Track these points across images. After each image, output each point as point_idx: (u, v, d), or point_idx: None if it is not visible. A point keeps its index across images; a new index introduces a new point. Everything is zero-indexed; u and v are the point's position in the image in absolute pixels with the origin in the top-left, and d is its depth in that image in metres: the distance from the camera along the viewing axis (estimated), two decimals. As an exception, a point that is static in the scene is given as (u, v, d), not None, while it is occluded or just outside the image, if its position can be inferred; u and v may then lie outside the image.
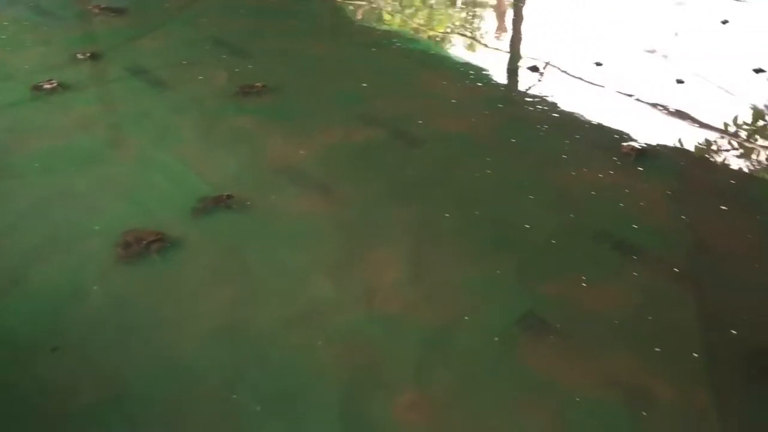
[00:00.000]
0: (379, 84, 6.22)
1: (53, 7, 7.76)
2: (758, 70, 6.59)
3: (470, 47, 7.46)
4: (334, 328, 3.65)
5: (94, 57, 6.52)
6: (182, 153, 5.09)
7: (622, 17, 7.97)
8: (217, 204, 4.47)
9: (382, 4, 8.33)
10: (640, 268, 4.06)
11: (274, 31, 7.29)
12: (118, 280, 3.92)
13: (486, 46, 7.43)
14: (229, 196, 4.51)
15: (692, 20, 7.85)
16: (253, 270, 4.04)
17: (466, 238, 4.32)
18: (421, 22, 7.97)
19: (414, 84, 6.34)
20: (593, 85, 6.31)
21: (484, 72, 6.63)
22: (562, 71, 6.58)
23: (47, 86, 5.89)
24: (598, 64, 6.67)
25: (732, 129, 5.68)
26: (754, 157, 5.39)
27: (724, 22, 7.72)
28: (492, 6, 8.64)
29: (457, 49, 7.40)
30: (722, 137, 5.55)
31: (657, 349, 3.53)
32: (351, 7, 8.20)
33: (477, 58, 7.18)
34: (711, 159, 5.33)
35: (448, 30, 7.80)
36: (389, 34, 7.45)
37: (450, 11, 8.34)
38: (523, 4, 8.52)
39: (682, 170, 5.07)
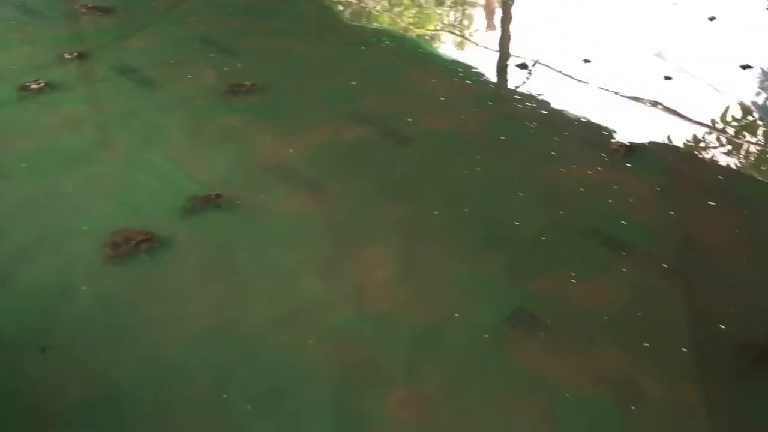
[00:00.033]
0: (368, 82, 6.22)
1: (40, 6, 7.70)
2: (745, 66, 6.62)
3: (459, 45, 7.46)
4: (324, 327, 3.64)
5: (81, 56, 6.47)
6: (171, 152, 5.07)
7: (610, 14, 7.99)
8: (206, 203, 4.46)
9: (370, 2, 8.32)
10: (629, 264, 4.08)
11: (263, 30, 7.26)
12: (107, 280, 3.90)
13: (475, 43, 7.43)
14: (218, 195, 4.49)
15: (680, 17, 7.87)
16: (243, 269, 4.03)
17: (456, 235, 4.32)
18: (410, 20, 7.96)
19: (403, 82, 6.34)
20: (582, 82, 6.32)
21: (473, 70, 6.63)
22: (551, 68, 6.59)
23: (34, 86, 5.85)
24: (587, 61, 6.68)
25: (720, 125, 5.70)
26: (741, 153, 5.42)
27: (712, 18, 7.75)
28: (481, 4, 8.65)
29: (446, 47, 7.39)
30: (710, 133, 5.57)
31: (646, 345, 3.54)
32: (339, 6, 8.19)
33: (466, 55, 7.19)
34: (699, 155, 5.35)
35: (437, 28, 7.80)
36: (378, 33, 7.44)
37: (439, 9, 8.34)
38: (512, 2, 8.53)
39: (671, 166, 5.09)
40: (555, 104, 5.92)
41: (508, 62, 6.89)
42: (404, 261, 4.08)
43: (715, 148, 5.41)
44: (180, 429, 3.14)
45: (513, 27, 7.91)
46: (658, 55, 6.85)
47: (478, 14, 8.43)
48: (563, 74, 6.47)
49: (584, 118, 5.70)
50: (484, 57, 7.06)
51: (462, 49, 7.39)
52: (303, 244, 4.22)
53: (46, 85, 5.89)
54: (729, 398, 3.32)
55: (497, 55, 7.12)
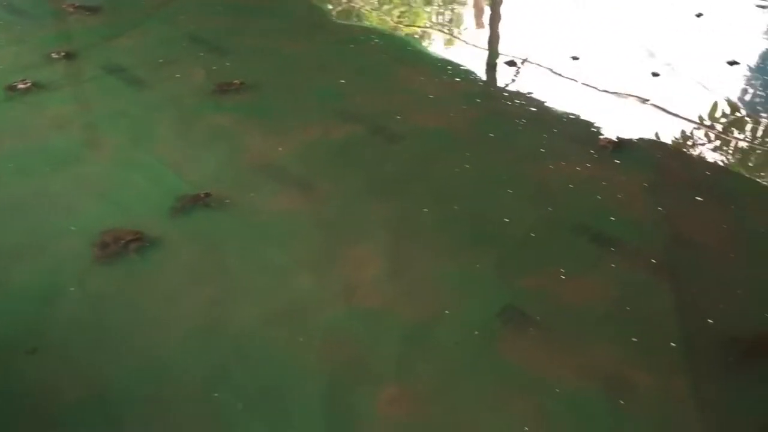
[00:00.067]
0: (357, 80, 6.21)
1: (26, 5, 7.65)
2: (732, 63, 6.66)
3: (448, 43, 7.47)
4: (315, 325, 3.65)
5: (69, 56, 6.44)
6: (160, 152, 5.05)
7: (597, 12, 8.01)
8: (195, 202, 4.45)
9: (359, 1, 8.31)
10: (618, 259, 4.10)
11: (252, 29, 7.24)
12: (96, 281, 3.90)
13: (463, 41, 7.44)
14: (207, 194, 4.49)
15: (667, 13, 7.91)
16: (233, 268, 4.03)
17: (446, 232, 4.33)
18: (399, 18, 7.96)
19: (392, 80, 6.34)
20: (570, 80, 6.34)
21: (461, 67, 6.64)
22: (540, 66, 6.60)
23: (21, 86, 5.82)
24: (575, 58, 6.70)
25: (707, 121, 5.74)
26: (729, 149, 5.45)
27: (699, 15, 7.79)
28: (469, 2, 8.65)
29: (435, 45, 7.40)
30: (698, 129, 5.60)
31: (635, 340, 3.57)
32: (328, 5, 8.18)
33: (455, 53, 7.19)
34: (687, 151, 5.38)
35: (426, 26, 7.80)
36: (367, 31, 7.44)
37: (427, 7, 8.34)
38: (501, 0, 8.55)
39: (659, 163, 5.11)
40: (544, 101, 5.93)
41: (497, 60, 6.90)
42: (394, 259, 4.09)
43: (703, 144, 5.44)
44: (172, 428, 3.14)
45: (501, 25, 7.91)
46: (644, 51, 6.87)
47: (467, 12, 8.44)
48: (552, 71, 6.49)
49: (573, 114, 5.72)
50: (472, 55, 7.07)
51: (451, 47, 7.39)
52: (293, 242, 4.23)
53: (34, 85, 5.86)
54: (717, 392, 3.34)
55: (486, 52, 7.13)
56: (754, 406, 3.28)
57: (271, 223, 4.38)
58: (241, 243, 4.21)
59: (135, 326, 3.62)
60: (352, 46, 7.01)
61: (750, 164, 5.36)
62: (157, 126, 5.41)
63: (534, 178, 4.85)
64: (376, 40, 7.23)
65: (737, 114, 5.90)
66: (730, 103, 6.02)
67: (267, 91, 5.97)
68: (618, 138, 5.28)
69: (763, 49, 7.23)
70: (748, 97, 6.20)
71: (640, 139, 5.37)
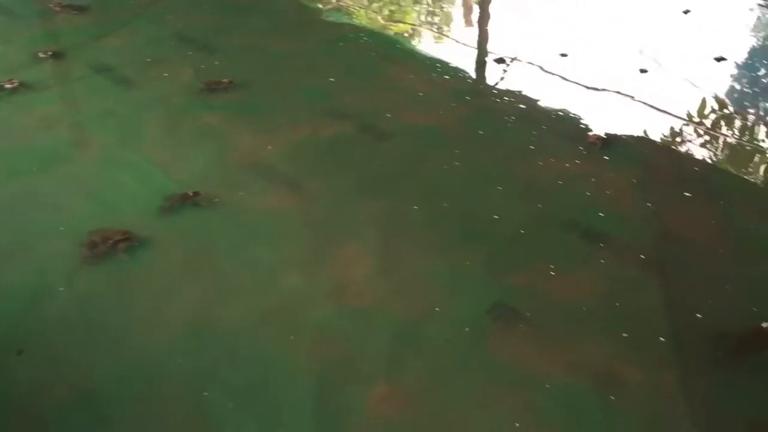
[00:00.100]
0: (347, 79, 6.20)
1: (12, 5, 7.59)
2: (719, 59, 6.69)
3: (437, 41, 7.47)
4: (305, 323, 3.64)
5: (56, 55, 6.40)
6: (148, 151, 5.03)
7: (585, 8, 8.04)
8: (183, 201, 4.43)
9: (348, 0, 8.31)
10: (608, 255, 4.11)
11: (240, 28, 7.21)
12: (86, 281, 3.87)
13: (452, 39, 7.44)
14: (196, 194, 4.46)
15: (655, 10, 7.94)
16: (222, 267, 4.02)
17: (435, 230, 4.33)
18: (388, 16, 7.96)
19: (381, 78, 6.33)
20: (559, 76, 6.35)
21: (450, 65, 6.64)
22: (529, 63, 6.61)
23: (8, 86, 5.76)
24: (564, 55, 6.72)
25: (695, 117, 5.76)
26: (717, 145, 5.48)
27: (686, 11, 7.83)
28: (458, 0, 8.66)
29: (424, 43, 7.40)
30: (685, 126, 5.63)
31: (625, 335, 3.58)
32: (317, 3, 8.16)
33: (444, 51, 7.19)
34: (675, 147, 5.40)
35: (415, 24, 7.80)
36: (356, 29, 7.43)
37: (416, 6, 8.34)
38: (489, -3, 8.56)
39: (647, 159, 5.14)
40: (533, 98, 5.95)
41: (486, 57, 6.90)
42: (384, 257, 4.08)
43: (691, 140, 5.47)
44: (162, 427, 3.12)
45: (490, 22, 7.92)
46: (632, 48, 6.90)
47: (456, 10, 8.45)
48: (540, 69, 6.50)
49: (561, 111, 5.74)
50: (461, 53, 7.07)
51: (439, 44, 7.40)
52: (282, 241, 4.22)
53: (21, 84, 5.81)
54: (706, 387, 3.36)
55: (475, 50, 7.14)
56: (742, 401, 3.29)
57: (261, 221, 4.37)
58: (231, 242, 4.20)
59: (124, 326, 3.60)
60: (341, 44, 7.00)
61: (738, 160, 5.40)
62: (145, 125, 5.38)
63: (523, 175, 4.85)
64: (365, 39, 7.22)
65: (725, 110, 5.93)
66: (717, 99, 6.05)
67: (256, 90, 5.95)
68: (606, 134, 5.30)
69: (750, 45, 7.28)
70: (735, 94, 6.23)
71: (629, 136, 5.39)
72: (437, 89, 6.12)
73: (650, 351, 3.51)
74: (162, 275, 3.94)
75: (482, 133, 5.39)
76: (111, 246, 4.05)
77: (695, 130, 5.59)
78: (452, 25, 7.95)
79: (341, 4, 8.11)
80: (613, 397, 3.25)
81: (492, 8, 8.31)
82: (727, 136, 5.58)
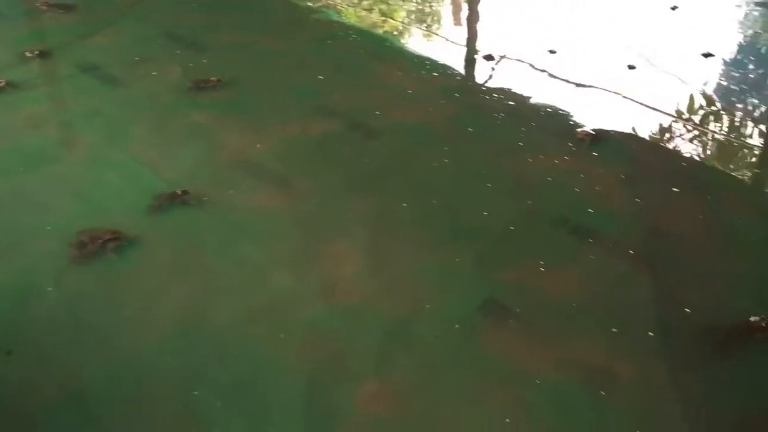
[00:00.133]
0: (336, 77, 6.20)
1: (-1, 4, 7.57)
2: (707, 55, 6.72)
3: (425, 38, 7.47)
4: (295, 322, 3.63)
5: (43, 55, 6.36)
6: (136, 150, 5.01)
7: (573, 5, 8.05)
8: (172, 200, 4.41)
9: (337, -4, 8.30)
10: (597, 251, 4.12)
11: (228, 26, 7.20)
12: (74, 280, 3.85)
13: (441, 37, 7.45)
14: (184, 192, 4.45)
15: (642, 6, 7.97)
16: (212, 266, 4.00)
17: (425, 227, 4.33)
18: (377, 14, 7.95)
19: (370, 76, 6.33)
20: (547, 73, 6.37)
21: (439, 62, 6.64)
22: (517, 60, 6.62)
23: (-5, 85, 5.75)
24: (552, 52, 6.73)
25: (683, 114, 5.79)
26: (704, 141, 5.50)
27: (674, 8, 7.86)
28: (447, -3, 8.68)
29: (413, 40, 7.40)
30: (673, 122, 5.65)
31: (614, 330, 3.59)
32: (306, 1, 8.14)
33: (432, 49, 7.20)
34: (663, 143, 5.43)
35: (404, 22, 7.79)
36: (344, 27, 7.42)
37: (405, 4, 8.33)
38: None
39: (636, 154, 5.16)
40: (521, 95, 5.96)
41: (475, 55, 6.91)
42: (373, 254, 4.08)
43: (679, 136, 5.49)
44: (151, 426, 3.11)
45: (478, 20, 7.93)
46: (621, 44, 6.92)
47: (445, 8, 8.45)
48: (529, 66, 6.51)
49: (550, 108, 5.75)
50: (450, 50, 7.08)
51: (428, 42, 7.40)
52: (272, 239, 4.21)
53: (8, 84, 5.79)
54: (696, 381, 3.37)
55: (463, 47, 7.15)
56: (731, 394, 3.31)
57: (250, 220, 4.36)
58: (220, 241, 4.19)
59: (113, 326, 3.59)
60: (330, 42, 6.99)
61: (725, 156, 5.42)
62: (133, 124, 5.36)
63: (513, 171, 4.86)
64: (355, 37, 7.22)
65: (713, 107, 5.95)
66: (705, 95, 6.08)
67: (244, 88, 5.93)
68: (595, 131, 5.31)
69: (737, 41, 7.31)
70: (723, 90, 6.26)
71: (617, 132, 5.41)
72: (426, 87, 6.11)
73: (639, 346, 3.52)
74: (151, 274, 3.92)
75: (471, 131, 5.39)
76: (100, 245, 4.03)
77: (682, 126, 5.61)
78: (441, 22, 7.95)
79: (330, 2, 8.10)
80: (602, 392, 3.26)
81: (480, 5, 8.32)
82: (714, 132, 5.61)
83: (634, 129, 5.48)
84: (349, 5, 8.15)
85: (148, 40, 6.78)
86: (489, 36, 7.40)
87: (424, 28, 7.71)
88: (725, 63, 6.71)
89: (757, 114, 5.92)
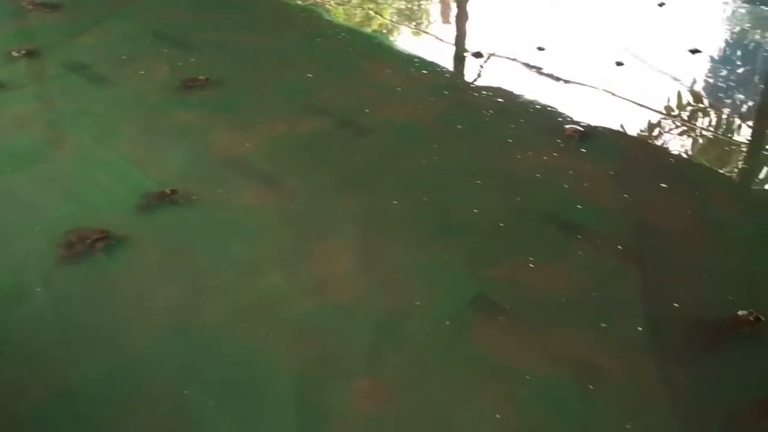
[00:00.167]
0: (324, 75, 6.19)
1: (-16, 3, 7.52)
2: (694, 51, 6.76)
3: (414, 36, 7.48)
4: (285, 320, 3.63)
5: (30, 54, 6.33)
6: (124, 149, 4.99)
7: (562, 2, 8.08)
8: (161, 199, 4.40)
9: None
10: (586, 247, 4.14)
11: (217, 24, 7.18)
12: (63, 281, 3.83)
13: (430, 34, 7.46)
14: (173, 191, 4.43)
15: (630, 3, 8.00)
16: (202, 265, 3.99)
17: (415, 224, 4.34)
18: (365, 12, 7.95)
19: (359, 74, 6.33)
20: (536, 70, 6.38)
21: (428, 60, 6.65)
22: (506, 57, 6.64)
23: (-19, 85, 5.72)
24: (540, 48, 6.75)
25: (670, 109, 5.82)
26: (692, 137, 5.53)
27: (661, 4, 7.90)
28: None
29: (402, 38, 7.40)
30: (661, 118, 5.68)
31: (603, 325, 3.60)
32: (294, -1, 8.14)
33: (421, 46, 7.21)
34: (651, 139, 5.45)
35: (393, 20, 7.80)
36: (333, 25, 7.42)
37: (394, 2, 8.33)
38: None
39: (624, 151, 5.18)
40: (510, 92, 5.97)
41: (464, 52, 6.92)
42: (364, 252, 4.08)
43: (667, 132, 5.52)
44: (141, 427, 3.10)
45: (467, 17, 7.94)
46: (608, 41, 6.94)
47: (433, 6, 8.46)
48: (518, 62, 6.53)
49: (539, 105, 5.77)
50: (439, 47, 7.09)
51: (417, 39, 7.41)
52: (261, 238, 4.20)
53: (-6, 83, 5.76)
54: (684, 376, 3.39)
55: (452, 45, 7.16)
56: (720, 388, 3.33)
57: (239, 218, 4.35)
58: (209, 239, 4.18)
59: (102, 326, 3.57)
60: (318, 40, 6.99)
61: (713, 153, 5.45)
62: (121, 123, 5.34)
63: (502, 168, 4.87)
64: (343, 35, 7.22)
65: (700, 103, 5.98)
66: (693, 92, 6.12)
67: (233, 87, 5.92)
68: (584, 127, 5.33)
69: (724, 37, 7.36)
70: (710, 86, 6.29)
71: (606, 128, 5.43)
72: (415, 84, 6.12)
73: (628, 341, 3.53)
74: (140, 274, 3.91)
75: (460, 128, 5.40)
76: (88, 245, 4.01)
77: (670, 123, 5.64)
78: (429, 20, 7.95)
79: (319, 0, 8.08)
80: (592, 387, 3.27)
81: (469, 3, 8.33)
82: (702, 128, 5.64)
83: (622, 125, 5.50)
84: (338, 3, 8.14)
85: (135, 38, 6.75)
86: (478, 33, 7.41)
87: (413, 26, 7.72)
88: (712, 60, 6.75)
89: (744, 110, 5.97)
